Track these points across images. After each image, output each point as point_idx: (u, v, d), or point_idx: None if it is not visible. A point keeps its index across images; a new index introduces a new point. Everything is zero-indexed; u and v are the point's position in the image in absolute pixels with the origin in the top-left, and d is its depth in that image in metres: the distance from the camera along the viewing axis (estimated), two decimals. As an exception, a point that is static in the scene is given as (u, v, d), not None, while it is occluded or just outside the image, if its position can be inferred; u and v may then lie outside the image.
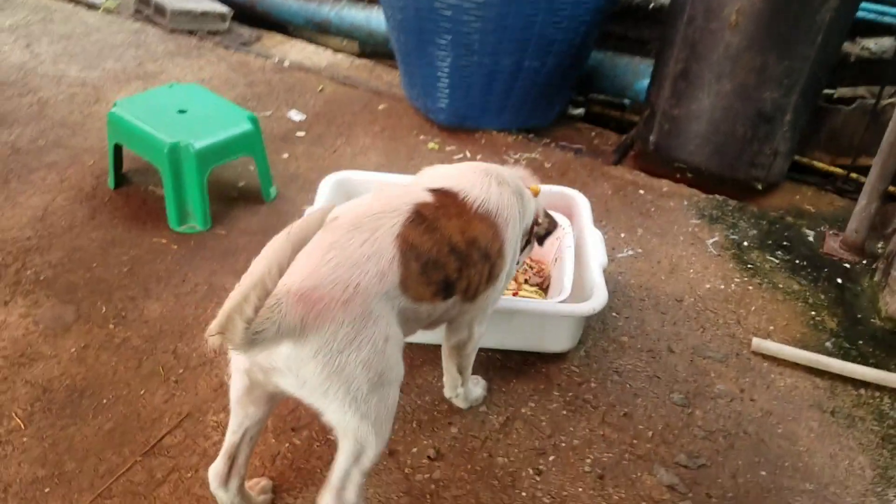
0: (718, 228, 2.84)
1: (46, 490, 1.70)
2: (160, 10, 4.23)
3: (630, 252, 2.68)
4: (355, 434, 1.39)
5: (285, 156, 3.09)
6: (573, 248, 2.28)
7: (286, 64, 3.91)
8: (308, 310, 1.27)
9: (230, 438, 1.52)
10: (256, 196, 2.78)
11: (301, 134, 3.27)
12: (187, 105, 2.66)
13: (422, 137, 3.32)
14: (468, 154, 3.23)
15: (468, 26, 3.02)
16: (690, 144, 3.09)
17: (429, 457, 1.85)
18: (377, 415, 1.39)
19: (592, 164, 3.23)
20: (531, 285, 2.39)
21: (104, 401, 1.92)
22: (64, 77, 3.55)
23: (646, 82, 3.38)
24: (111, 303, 2.25)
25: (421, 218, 1.47)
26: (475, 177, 1.65)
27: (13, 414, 1.88)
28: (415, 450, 1.87)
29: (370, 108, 3.53)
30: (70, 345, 2.09)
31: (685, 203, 2.99)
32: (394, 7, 3.21)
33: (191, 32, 4.19)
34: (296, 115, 3.41)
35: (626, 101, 3.88)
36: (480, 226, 1.58)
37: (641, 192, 3.05)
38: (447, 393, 1.97)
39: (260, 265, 1.14)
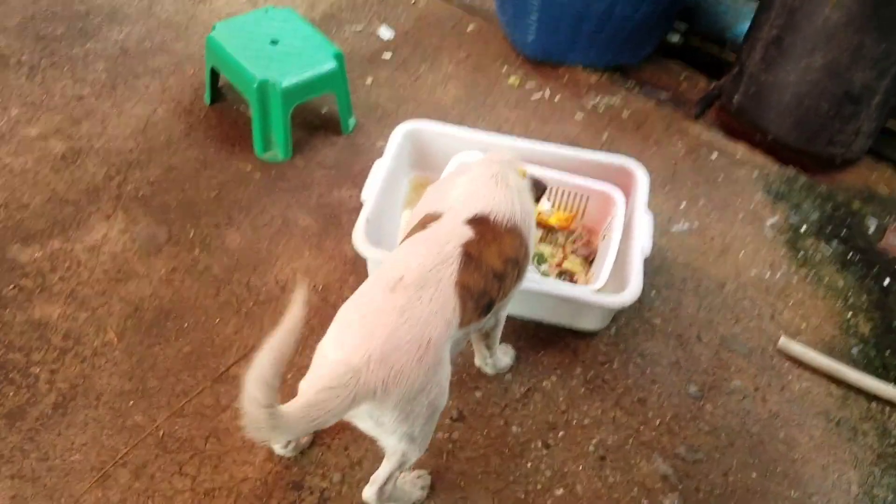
0: (781, 208, 2.84)
1: (131, 403, 2.06)
2: None
3: (686, 226, 2.74)
4: (404, 452, 1.65)
5: (369, 81, 3.21)
6: (620, 231, 2.39)
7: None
8: (388, 372, 1.44)
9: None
10: (336, 126, 2.94)
11: (387, 56, 3.35)
12: (280, 35, 2.79)
13: (504, 69, 3.35)
14: (547, 93, 3.25)
15: (562, -32, 2.96)
16: (772, 112, 3.02)
17: (451, 417, 2.11)
18: (424, 436, 1.64)
19: (672, 116, 3.21)
20: (578, 256, 2.52)
21: (185, 325, 2.25)
22: (172, -32, 3.68)
23: (746, 27, 3.25)
24: (199, 228, 2.53)
25: (469, 258, 1.62)
26: (491, 189, 1.78)
27: (108, 327, 2.23)
28: (441, 409, 2.13)
29: (459, 29, 3.54)
30: (160, 266, 2.40)
31: (755, 174, 2.98)
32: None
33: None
34: (386, 33, 3.47)
35: (727, 37, 3.73)
36: (512, 242, 1.76)
37: (714, 155, 3.05)
38: (477, 362, 2.20)
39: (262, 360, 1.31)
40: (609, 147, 3.01)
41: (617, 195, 2.48)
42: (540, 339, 2.33)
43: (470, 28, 3.56)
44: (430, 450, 2.02)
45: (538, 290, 2.18)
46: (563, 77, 3.34)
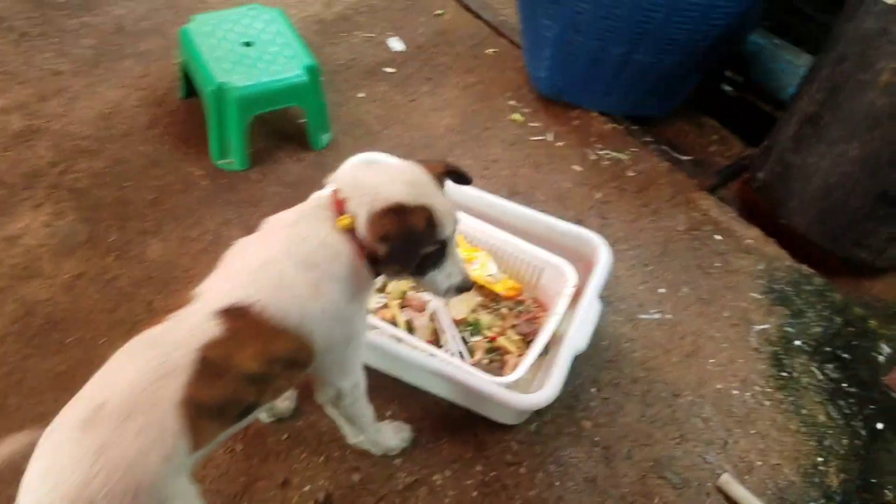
0: (778, 313, 2.46)
1: (-16, 416, 1.93)
2: None
3: (656, 316, 2.41)
4: None
5: (361, 94, 2.99)
6: (558, 318, 2.09)
7: (424, -31, 3.66)
8: None
9: None
10: (301, 142, 2.74)
11: (390, 70, 3.12)
12: (256, 38, 2.61)
13: (512, 103, 3.07)
14: (550, 137, 2.95)
15: (578, 5, 2.65)
16: (795, 199, 2.63)
17: (317, 500, 1.88)
18: None
19: (684, 183, 2.85)
20: (518, 334, 2.24)
21: (69, 340, 2.10)
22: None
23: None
24: (123, 231, 2.38)
25: (208, 365, 1.27)
26: (271, 265, 1.37)
27: (-7, 330, 2.11)
28: (308, 487, 1.91)
29: (477, 51, 3.27)
30: (69, 268, 2.27)
31: (760, 267, 2.60)
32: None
33: None
34: (396, 44, 3.24)
35: (782, 98, 3.32)
36: (283, 344, 1.37)
37: (718, 237, 2.68)
38: (350, 440, 1.95)
39: None
40: (600, 209, 2.70)
41: (569, 273, 2.19)
42: (448, 423, 2.07)
43: (489, 51, 3.28)
44: (274, 534, 1.82)
45: (432, 369, 1.92)
46: (573, 121, 3.03)
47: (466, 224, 2.32)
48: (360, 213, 1.38)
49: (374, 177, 1.42)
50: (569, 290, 2.16)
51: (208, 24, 2.63)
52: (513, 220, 2.34)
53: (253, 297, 1.34)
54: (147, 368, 1.25)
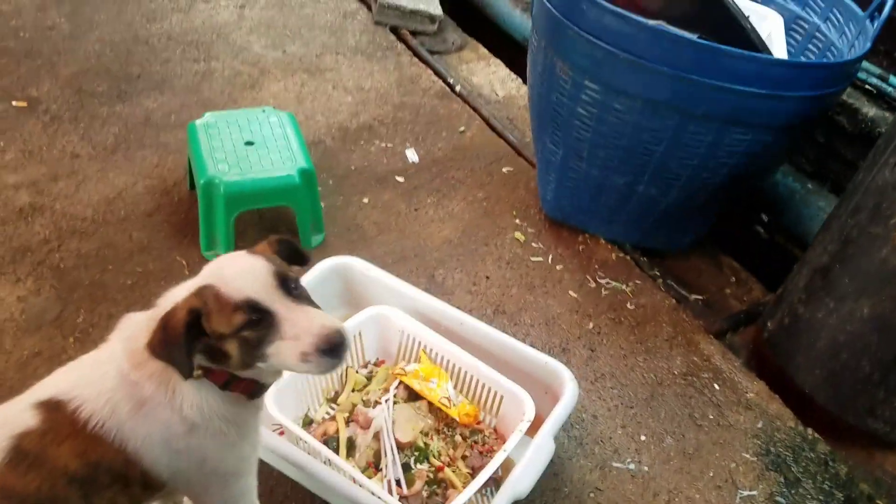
0: (770, 479, 2.20)
1: None
2: (373, -2, 4.24)
3: (631, 466, 2.19)
4: None
5: (365, 200, 2.98)
6: (505, 455, 1.92)
7: (457, 89, 3.71)
8: None
9: None
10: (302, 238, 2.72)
11: (400, 179, 3.11)
12: (258, 138, 2.65)
13: (517, 221, 2.99)
14: (550, 259, 2.84)
15: (579, 132, 2.59)
16: (801, 356, 2.41)
17: None
18: None
19: (687, 323, 2.66)
20: (467, 467, 2.06)
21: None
22: (245, 51, 3.73)
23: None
24: (91, 314, 2.38)
25: (22, 454, 1.22)
26: (96, 363, 1.31)
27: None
28: None
29: (492, 168, 3.24)
30: (29, 345, 2.26)
31: (759, 425, 2.35)
32: (531, 75, 2.84)
33: (395, 28, 4.15)
34: (411, 155, 3.25)
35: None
36: (103, 449, 1.26)
37: (716, 387, 2.46)
38: None
39: None
40: (590, 340, 2.54)
41: (527, 404, 2.03)
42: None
43: (505, 169, 3.24)
44: None
45: (345, 494, 1.77)
46: (578, 245, 2.91)
47: (427, 340, 2.21)
48: None
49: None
50: (523, 425, 1.99)
51: (216, 121, 2.70)
52: (479, 341, 2.22)
53: (72, 393, 1.26)
54: None
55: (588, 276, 2.79)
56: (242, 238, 2.69)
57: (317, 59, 3.77)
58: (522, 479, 1.85)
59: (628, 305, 2.70)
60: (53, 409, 1.27)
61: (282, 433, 2.02)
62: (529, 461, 1.90)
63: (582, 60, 2.44)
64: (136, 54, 3.57)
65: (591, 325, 2.61)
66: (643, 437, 2.27)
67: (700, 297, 2.85)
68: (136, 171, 2.93)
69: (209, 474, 1.37)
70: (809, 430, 2.36)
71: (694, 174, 2.53)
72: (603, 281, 2.78)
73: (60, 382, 1.30)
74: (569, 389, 2.08)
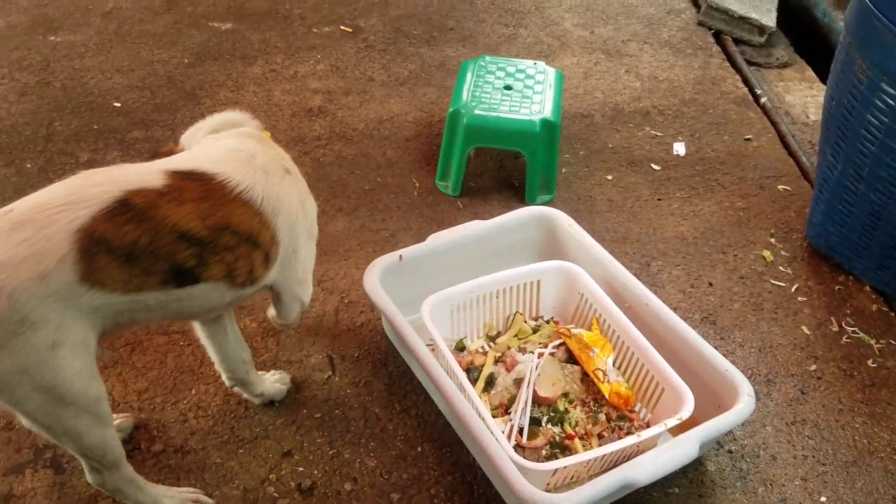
0: None
1: None
2: (703, -3, 4.04)
3: (794, 522, 1.82)
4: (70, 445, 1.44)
5: (609, 177, 2.86)
6: (635, 441, 1.72)
7: (763, 101, 3.38)
8: None
9: None
10: (520, 194, 2.72)
11: (655, 167, 2.94)
12: (521, 85, 2.70)
13: (771, 241, 2.64)
14: (794, 290, 2.47)
15: (863, 144, 2.21)
16: None
17: (300, 488, 1.81)
18: (63, 430, 1.39)
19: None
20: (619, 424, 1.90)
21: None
22: (554, 25, 3.78)
23: None
24: (326, 203, 2.62)
25: (126, 207, 1.32)
26: (234, 157, 1.50)
27: None
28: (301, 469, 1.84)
29: (766, 183, 2.90)
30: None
31: None
32: (830, 76, 2.49)
33: (718, 33, 3.91)
34: (679, 149, 3.05)
35: None
36: (241, 212, 1.46)
37: (950, 485, 1.95)
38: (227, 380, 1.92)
39: None
40: (805, 384, 2.18)
41: (686, 403, 1.80)
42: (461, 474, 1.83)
43: (781, 188, 2.88)
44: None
45: (458, 413, 1.72)
46: (835, 284, 2.49)
47: (604, 308, 2.06)
48: None
49: None
50: (671, 420, 1.78)
51: (487, 63, 2.80)
52: (659, 326, 2.03)
53: (215, 170, 1.45)
54: (60, 193, 1.32)
55: (833, 319, 2.37)
56: (476, 179, 2.77)
57: (622, 44, 3.71)
58: (643, 465, 1.65)
59: (869, 363, 2.24)
60: (187, 178, 1.42)
61: (433, 349, 2.04)
62: (660, 451, 1.69)
63: (883, 58, 2.08)
64: (458, 10, 3.83)
65: (813, 367, 2.22)
66: (823, 499, 1.88)
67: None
68: (412, 103, 3.16)
69: (312, 236, 1.76)
70: None
71: None
72: (849, 328, 2.34)
73: (196, 163, 1.48)
74: (742, 403, 1.80)
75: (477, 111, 2.57)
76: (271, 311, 1.94)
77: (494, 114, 2.57)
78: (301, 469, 1.86)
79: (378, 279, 2.04)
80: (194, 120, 1.71)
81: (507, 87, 2.69)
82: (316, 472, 1.85)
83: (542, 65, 2.84)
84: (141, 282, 1.37)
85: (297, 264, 1.68)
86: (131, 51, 3.37)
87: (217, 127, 1.63)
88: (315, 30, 3.56)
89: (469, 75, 2.74)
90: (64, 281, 1.28)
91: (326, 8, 3.72)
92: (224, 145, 1.54)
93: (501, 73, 2.75)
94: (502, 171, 2.83)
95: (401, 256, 2.12)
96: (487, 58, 2.84)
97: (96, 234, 1.30)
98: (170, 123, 2.97)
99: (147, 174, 1.40)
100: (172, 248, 1.38)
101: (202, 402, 1.99)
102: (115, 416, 1.85)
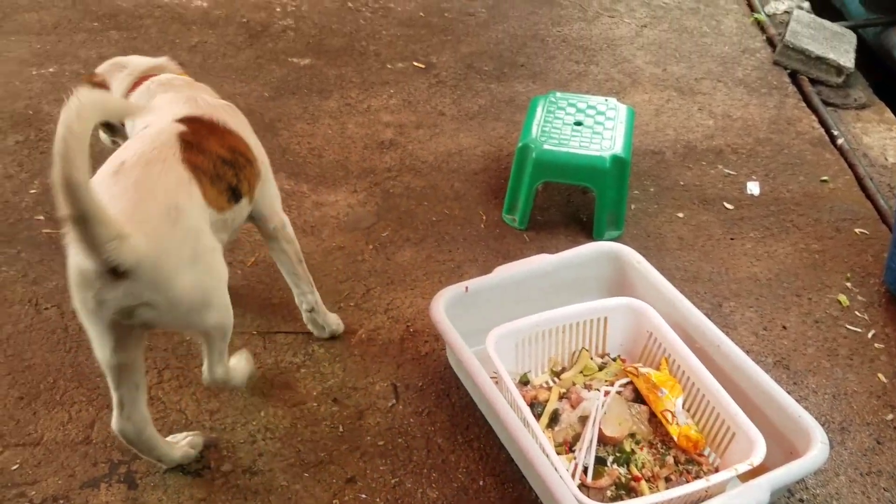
0: None
1: None
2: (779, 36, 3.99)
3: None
4: (213, 326, 1.67)
5: (680, 214, 2.83)
6: (703, 486, 1.68)
7: (840, 142, 3.31)
8: (147, 243, 1.41)
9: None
10: (587, 229, 2.71)
11: (728, 206, 2.90)
12: (591, 122, 2.71)
13: (847, 285, 2.57)
14: (871, 336, 2.39)
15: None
16: None
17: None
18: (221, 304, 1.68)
19: None
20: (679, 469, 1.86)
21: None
22: (625, 63, 3.79)
23: None
24: (394, 233, 2.67)
25: (188, 144, 1.61)
26: (196, 103, 1.80)
27: None
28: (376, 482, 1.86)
29: (843, 226, 2.82)
30: (338, 241, 2.62)
31: None
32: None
33: (794, 73, 3.85)
34: (753, 188, 3.00)
35: None
36: (233, 138, 1.78)
37: None
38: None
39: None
40: (881, 433, 2.10)
41: (758, 449, 1.75)
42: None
43: (858, 231, 2.81)
44: None
45: (520, 444, 1.70)
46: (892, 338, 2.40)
47: (674, 349, 2.03)
48: None
49: None
50: (741, 466, 1.73)
51: (558, 99, 2.82)
52: (729, 369, 2.00)
53: (198, 112, 1.76)
54: (144, 143, 1.58)
55: (882, 372, 2.28)
56: (543, 213, 2.78)
57: (695, 82, 3.69)
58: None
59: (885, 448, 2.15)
60: (192, 121, 1.71)
61: (496, 381, 2.04)
62: (729, 497, 1.66)
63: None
64: (529, 48, 3.88)
65: (889, 416, 2.14)
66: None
67: None
68: (481, 137, 3.20)
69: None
70: None
71: None
72: (915, 387, 2.25)
73: (181, 111, 1.74)
74: (816, 450, 1.74)
75: (546, 146, 2.59)
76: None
77: (564, 149, 2.58)
78: (363, 496, 1.87)
79: (444, 309, 2.06)
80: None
81: (578, 123, 2.71)
82: (378, 500, 1.87)
83: (613, 101, 2.84)
84: (224, 200, 1.67)
85: (269, 179, 1.95)
86: (215, 84, 3.45)
87: (145, 71, 1.93)
88: (389, 66, 3.65)
89: (539, 110, 2.77)
90: (198, 197, 1.58)
91: (400, 45, 3.82)
92: (179, 97, 1.81)
93: (572, 109, 2.77)
94: (570, 205, 2.84)
95: (467, 288, 2.14)
96: (558, 93, 2.87)
97: (193, 162, 1.59)
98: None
99: (172, 123, 1.67)
100: (224, 169, 1.69)
101: (270, 423, 2.03)
102: (187, 433, 1.91)
